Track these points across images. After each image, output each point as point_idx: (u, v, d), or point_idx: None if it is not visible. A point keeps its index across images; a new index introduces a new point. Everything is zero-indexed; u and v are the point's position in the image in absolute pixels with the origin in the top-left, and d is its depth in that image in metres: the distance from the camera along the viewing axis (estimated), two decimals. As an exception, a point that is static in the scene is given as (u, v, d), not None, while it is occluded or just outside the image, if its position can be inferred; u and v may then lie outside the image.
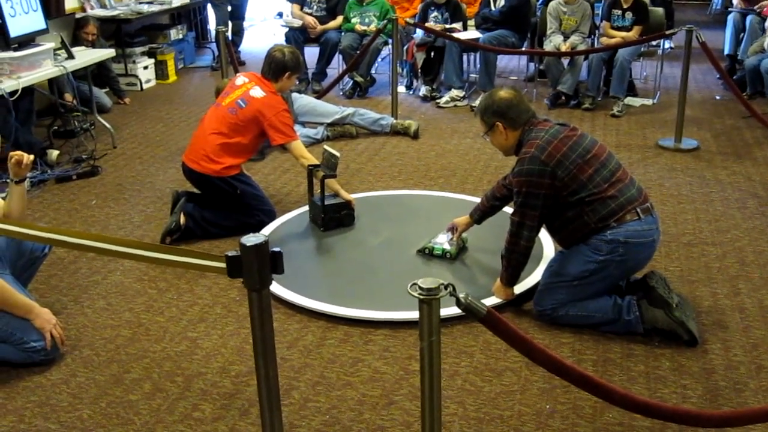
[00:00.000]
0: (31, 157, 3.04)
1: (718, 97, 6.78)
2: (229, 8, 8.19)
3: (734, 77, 6.82)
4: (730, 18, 7.22)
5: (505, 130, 3.21)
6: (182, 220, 3.98)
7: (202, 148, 4.05)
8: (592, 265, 3.05)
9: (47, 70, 5.02)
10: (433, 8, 6.92)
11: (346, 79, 7.00)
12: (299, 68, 4.21)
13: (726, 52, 7.30)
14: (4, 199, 3.11)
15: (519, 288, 3.36)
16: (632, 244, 3.01)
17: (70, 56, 5.33)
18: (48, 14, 5.70)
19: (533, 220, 3.09)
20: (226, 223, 4.07)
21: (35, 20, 5.22)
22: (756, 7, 6.97)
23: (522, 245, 3.15)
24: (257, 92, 4.06)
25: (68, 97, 5.86)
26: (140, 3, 7.48)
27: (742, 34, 6.98)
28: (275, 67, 4.11)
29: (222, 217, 4.07)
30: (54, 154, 5.23)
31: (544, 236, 3.80)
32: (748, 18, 6.88)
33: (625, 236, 3.00)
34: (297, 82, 7.05)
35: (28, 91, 5.09)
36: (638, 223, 3.02)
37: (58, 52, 5.29)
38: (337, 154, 4.03)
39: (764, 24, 6.40)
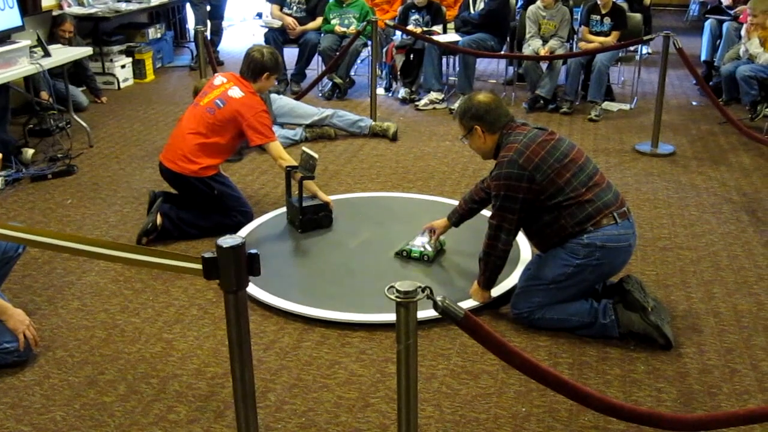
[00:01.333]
0: None
1: (694, 103, 6.84)
2: (208, 8, 8.14)
3: (710, 83, 6.89)
4: (707, 25, 7.29)
5: (483, 133, 3.22)
6: (159, 220, 3.95)
7: (179, 147, 4.02)
8: (569, 269, 3.07)
9: (23, 67, 4.96)
10: (413, 11, 6.93)
11: (325, 80, 6.99)
12: (278, 69, 4.20)
13: (702, 58, 7.37)
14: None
15: (496, 291, 3.37)
16: (609, 248, 3.03)
17: (47, 54, 5.28)
18: (24, 11, 5.64)
19: (511, 224, 3.10)
20: (203, 223, 4.05)
21: (11, 17, 5.17)
22: (732, 12, 7.04)
23: (500, 248, 3.15)
24: (236, 92, 4.04)
25: (44, 95, 5.81)
26: (118, 1, 7.42)
27: (718, 41, 7.05)
28: (254, 68, 4.10)
29: (199, 218, 4.05)
30: (29, 152, 5.17)
31: (521, 240, 3.82)
32: (725, 25, 6.95)
33: (602, 240, 3.01)
34: (276, 83, 7.04)
35: (4, 88, 5.04)
36: (615, 228, 3.04)
37: (34, 49, 5.23)
38: (316, 155, 4.02)
39: (740, 31, 6.46)
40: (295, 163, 4.06)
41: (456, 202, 3.91)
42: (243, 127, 4.00)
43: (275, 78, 4.25)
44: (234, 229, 4.00)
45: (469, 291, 3.37)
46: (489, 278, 3.28)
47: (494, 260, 3.20)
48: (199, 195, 4.04)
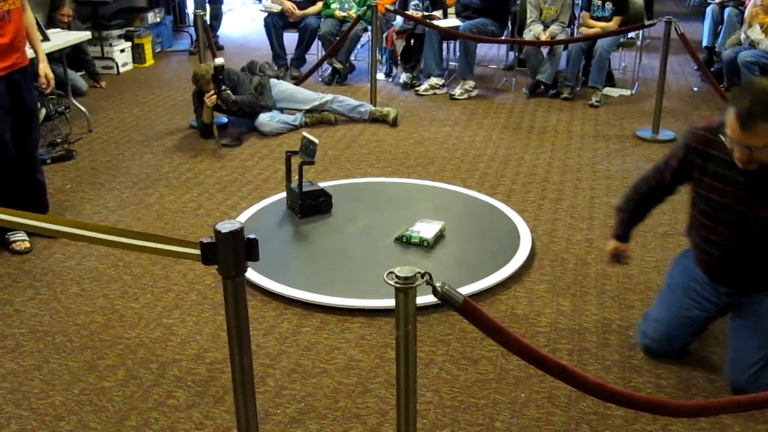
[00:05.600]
0: None
1: (695, 89, 6.82)
2: (208, -8, 8.11)
3: (712, 69, 6.86)
4: (709, 10, 7.26)
5: None
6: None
7: None
8: None
9: (21, 51, 4.93)
10: (413, -5, 6.90)
11: (325, 65, 6.96)
12: None
13: (704, 43, 7.34)
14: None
15: (496, 277, 3.37)
16: None
17: (45, 38, 5.24)
18: (22, -5, 5.60)
19: None
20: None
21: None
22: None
23: None
24: None
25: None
26: (117, -15, 7.40)
27: (720, 26, 7.02)
28: None
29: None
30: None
31: (522, 228, 3.81)
32: (727, 10, 6.92)
33: None
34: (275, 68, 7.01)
35: (2, 73, 5.00)
36: None
37: (32, 33, 5.20)
38: (316, 140, 4.01)
39: (742, 16, 6.43)
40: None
41: (457, 188, 3.90)
42: None
43: None
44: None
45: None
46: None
47: None
48: None
